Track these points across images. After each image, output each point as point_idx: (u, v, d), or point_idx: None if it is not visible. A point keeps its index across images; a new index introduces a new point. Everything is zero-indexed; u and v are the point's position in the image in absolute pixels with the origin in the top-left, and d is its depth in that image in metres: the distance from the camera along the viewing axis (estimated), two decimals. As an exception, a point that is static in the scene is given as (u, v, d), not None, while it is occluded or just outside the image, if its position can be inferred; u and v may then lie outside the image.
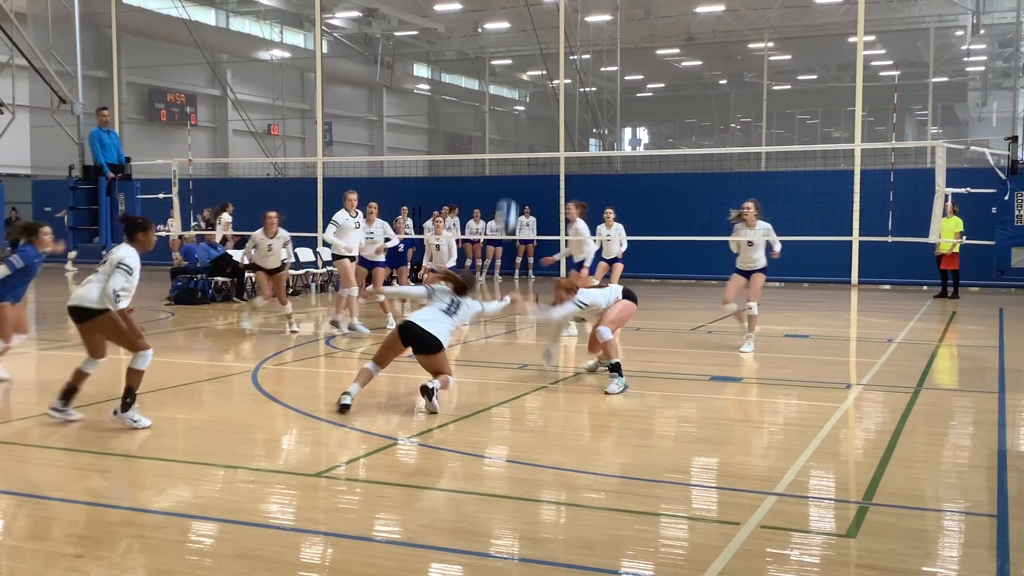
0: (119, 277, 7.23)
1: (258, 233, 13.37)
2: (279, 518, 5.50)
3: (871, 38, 39.20)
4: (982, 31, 36.59)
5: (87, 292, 7.34)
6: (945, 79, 47.32)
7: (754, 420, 8.22)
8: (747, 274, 11.90)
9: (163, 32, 34.80)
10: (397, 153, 47.35)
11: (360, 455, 6.90)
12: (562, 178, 23.93)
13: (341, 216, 13.16)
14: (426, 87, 52.08)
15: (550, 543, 5.06)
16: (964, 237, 18.19)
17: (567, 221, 13.76)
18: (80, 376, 7.68)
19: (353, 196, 13.17)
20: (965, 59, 44.49)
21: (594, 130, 43.09)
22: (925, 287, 20.42)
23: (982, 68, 46.27)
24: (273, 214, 13.30)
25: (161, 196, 19.90)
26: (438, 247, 14.56)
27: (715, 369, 10.56)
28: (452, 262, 14.46)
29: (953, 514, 5.58)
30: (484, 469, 6.59)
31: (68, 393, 7.66)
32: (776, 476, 6.20)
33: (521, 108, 58.75)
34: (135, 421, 7.37)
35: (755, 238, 11.77)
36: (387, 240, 13.79)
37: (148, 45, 35.51)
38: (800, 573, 4.65)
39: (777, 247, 11.91)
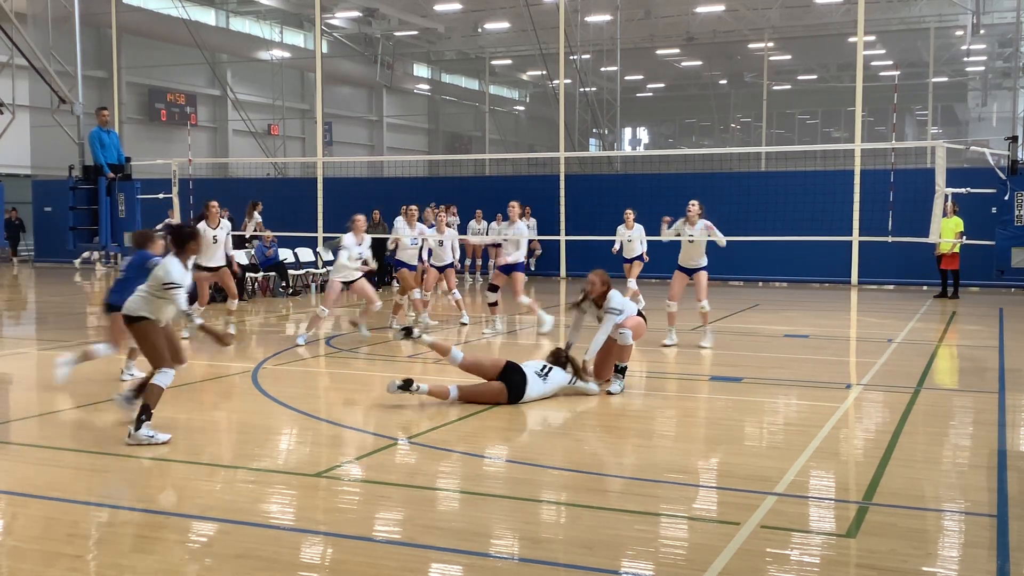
0: (179, 298, 7.12)
1: (200, 224, 12.60)
2: (279, 518, 5.50)
3: (871, 38, 39.19)
4: (982, 31, 36.58)
5: (131, 301, 7.28)
6: (945, 79, 47.31)
7: (754, 420, 8.21)
8: (690, 272, 12.40)
9: (163, 32, 34.79)
10: (397, 153, 47.35)
11: (360, 455, 6.90)
12: (562, 178, 23.93)
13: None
14: (426, 87, 52.07)
15: (550, 543, 5.06)
16: (964, 237, 18.18)
17: (508, 219, 13.77)
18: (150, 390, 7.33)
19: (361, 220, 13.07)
20: (965, 59, 44.47)
21: (594, 130, 43.09)
22: (925, 287, 20.42)
23: (982, 68, 46.26)
24: (215, 203, 12.84)
25: (161, 196, 19.87)
26: (441, 243, 14.55)
27: (715, 369, 10.56)
28: (454, 258, 14.63)
29: (953, 514, 5.58)
30: (484, 469, 6.59)
31: (138, 393, 7.51)
32: (776, 476, 6.20)
33: (521, 108, 58.74)
34: (151, 437, 6.99)
35: (697, 236, 12.13)
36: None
37: (148, 45, 35.50)
38: (800, 573, 4.65)
39: (722, 241, 12.15)
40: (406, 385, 8.11)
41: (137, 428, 6.97)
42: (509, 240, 13.65)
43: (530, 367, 8.55)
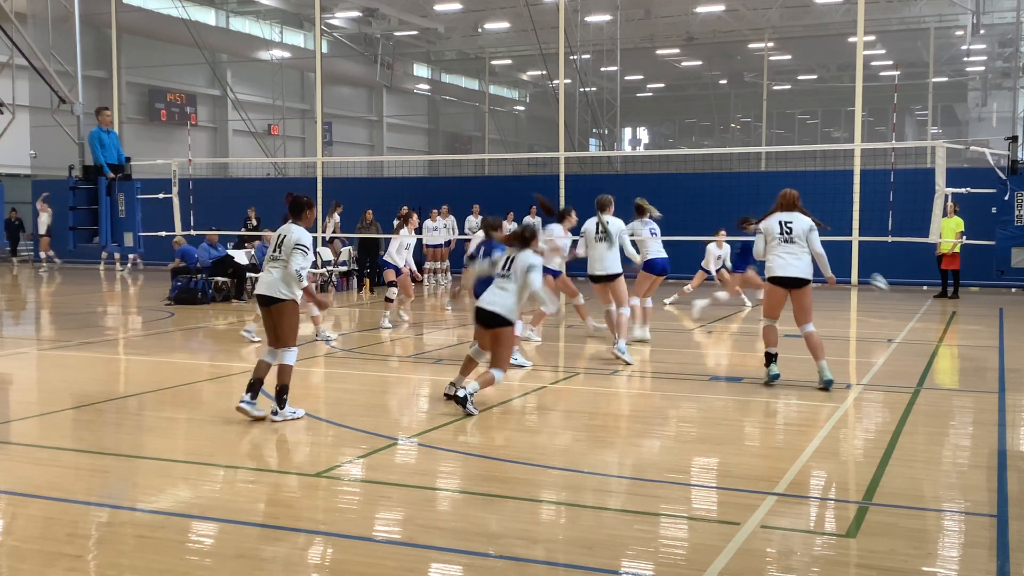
0: (299, 257, 7.60)
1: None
2: (279, 518, 5.50)
3: (871, 38, 39.19)
4: (982, 31, 36.59)
5: (270, 278, 7.71)
6: (945, 79, 47.33)
7: (754, 420, 8.21)
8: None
9: (163, 32, 34.79)
10: (397, 153, 47.36)
11: (360, 455, 6.89)
12: (562, 178, 23.93)
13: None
14: (426, 87, 52.07)
15: (550, 543, 5.06)
16: (964, 237, 18.18)
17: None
18: (263, 367, 7.82)
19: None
20: (965, 59, 44.49)
21: (594, 130, 43.10)
22: (925, 287, 20.41)
23: (982, 68, 46.28)
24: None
25: (161, 196, 19.89)
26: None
27: (715, 369, 10.56)
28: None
29: (953, 514, 5.58)
30: (484, 469, 6.59)
31: (256, 386, 7.77)
32: (776, 476, 6.20)
33: (521, 108, 58.76)
34: (294, 413, 7.73)
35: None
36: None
37: (148, 45, 35.50)
38: (800, 573, 4.65)
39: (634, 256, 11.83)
40: (462, 403, 8.01)
41: (281, 406, 7.68)
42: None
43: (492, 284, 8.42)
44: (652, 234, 12.39)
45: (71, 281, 23.65)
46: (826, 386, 9.05)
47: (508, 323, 8.15)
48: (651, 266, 12.29)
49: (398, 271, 13.88)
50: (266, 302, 7.74)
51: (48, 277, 24.48)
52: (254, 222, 22.49)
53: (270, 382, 7.81)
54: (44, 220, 26.71)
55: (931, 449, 7.19)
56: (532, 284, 8.18)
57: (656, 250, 12.34)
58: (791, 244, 9.05)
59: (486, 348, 8.39)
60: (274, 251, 7.80)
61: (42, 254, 27.08)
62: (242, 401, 7.72)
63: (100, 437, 7.46)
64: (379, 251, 19.32)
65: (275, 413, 7.70)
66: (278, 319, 7.70)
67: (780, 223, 9.15)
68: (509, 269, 8.29)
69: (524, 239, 8.39)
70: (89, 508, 5.66)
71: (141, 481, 6.25)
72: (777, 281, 9.21)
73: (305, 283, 7.72)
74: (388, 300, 14.07)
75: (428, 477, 6.39)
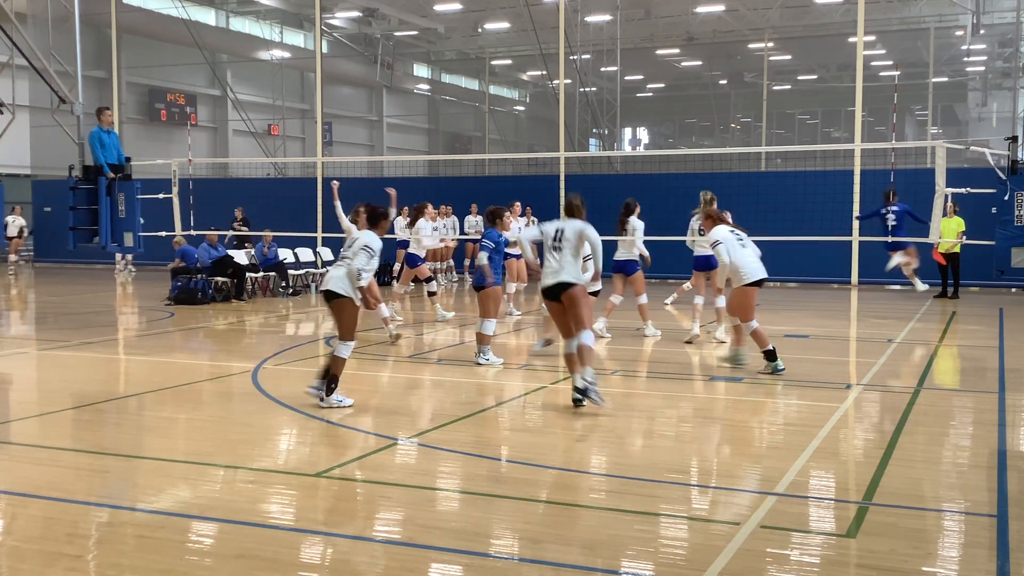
0: (362, 257, 8.21)
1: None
2: (279, 518, 5.50)
3: (871, 38, 39.19)
4: (982, 31, 36.58)
5: (336, 274, 8.29)
6: (945, 79, 47.32)
7: (754, 420, 8.21)
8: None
9: (163, 32, 34.79)
10: (397, 153, 47.36)
11: (360, 455, 6.89)
12: (562, 178, 23.92)
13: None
14: (426, 87, 52.08)
15: (550, 543, 5.06)
16: (965, 237, 18.17)
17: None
18: (335, 360, 8.27)
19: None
20: (965, 59, 44.48)
21: (594, 130, 43.10)
22: (925, 287, 20.39)
23: (982, 68, 46.27)
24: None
25: (161, 196, 19.91)
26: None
27: (715, 369, 10.56)
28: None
29: (953, 514, 5.58)
30: (484, 469, 6.59)
31: (327, 374, 8.25)
32: (776, 476, 6.20)
33: (521, 108, 58.75)
34: (340, 401, 8.18)
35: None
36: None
37: (148, 45, 35.50)
38: (800, 573, 4.65)
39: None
40: (583, 394, 8.08)
41: (329, 394, 8.16)
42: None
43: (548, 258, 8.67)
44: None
45: (70, 281, 23.64)
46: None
47: (572, 285, 8.40)
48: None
49: (420, 260, 14.55)
50: (328, 297, 8.31)
51: (15, 280, 24.33)
52: (240, 223, 22.42)
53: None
54: (17, 224, 26.88)
55: (931, 449, 7.19)
56: (591, 240, 8.58)
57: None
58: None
59: (565, 328, 8.48)
60: (344, 250, 8.52)
61: (11, 256, 27.12)
62: (310, 387, 8.38)
63: (100, 437, 7.46)
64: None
65: (322, 400, 8.19)
66: (337, 314, 8.29)
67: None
68: (561, 240, 8.54)
69: (571, 210, 8.79)
70: (89, 508, 5.66)
71: (141, 481, 6.25)
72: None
73: (364, 283, 8.24)
74: (431, 294, 14.86)
75: (428, 477, 6.39)
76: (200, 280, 17.47)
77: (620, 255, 12.74)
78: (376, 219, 8.62)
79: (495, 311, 10.63)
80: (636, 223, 12.79)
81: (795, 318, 15.69)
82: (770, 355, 9.93)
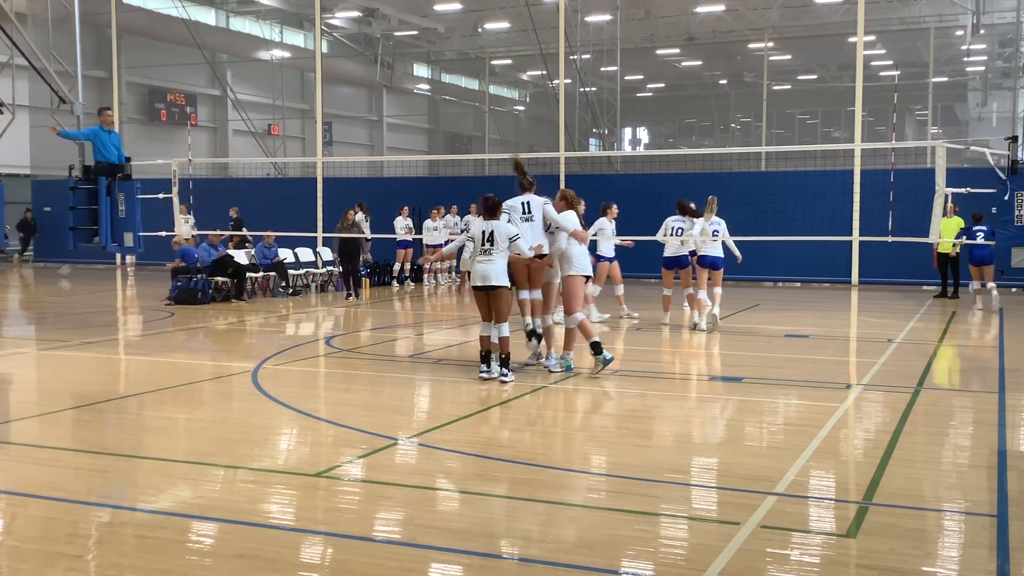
0: (522, 243, 9.48)
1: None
2: (279, 518, 5.50)
3: (871, 38, 39.19)
4: (982, 31, 36.59)
5: (495, 268, 9.32)
6: (945, 79, 47.33)
7: (754, 420, 8.21)
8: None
9: (163, 32, 34.79)
10: (397, 153, 47.37)
11: (360, 455, 6.90)
12: (562, 178, 23.92)
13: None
14: (426, 87, 52.08)
15: (550, 543, 5.06)
16: (965, 237, 18.16)
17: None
18: (485, 341, 9.49)
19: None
20: (965, 59, 44.49)
21: (594, 130, 43.10)
22: (925, 287, 20.41)
23: (982, 68, 46.29)
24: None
25: (161, 196, 19.89)
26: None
27: (715, 369, 10.56)
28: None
29: (953, 514, 5.58)
30: (484, 469, 6.59)
31: (486, 357, 9.49)
32: (776, 476, 6.20)
33: (521, 108, 58.76)
34: (505, 376, 9.38)
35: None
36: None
37: (148, 45, 35.51)
38: (800, 573, 4.65)
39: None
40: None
41: (502, 365, 9.37)
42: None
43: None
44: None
45: (70, 281, 23.65)
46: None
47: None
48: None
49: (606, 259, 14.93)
50: (485, 289, 9.35)
51: None
52: (234, 223, 22.45)
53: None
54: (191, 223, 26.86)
55: (931, 449, 7.19)
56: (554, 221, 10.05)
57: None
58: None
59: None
60: (483, 244, 9.38)
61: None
62: (480, 372, 9.46)
63: (100, 437, 7.46)
64: (360, 252, 19.35)
65: (504, 376, 9.35)
66: (496, 302, 9.36)
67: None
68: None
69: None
70: (89, 508, 5.66)
71: (141, 481, 6.25)
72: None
73: (527, 253, 9.49)
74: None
75: (428, 477, 6.39)
76: (200, 280, 17.47)
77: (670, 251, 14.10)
78: (495, 209, 9.57)
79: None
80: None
81: (795, 318, 15.70)
82: (596, 347, 9.92)
